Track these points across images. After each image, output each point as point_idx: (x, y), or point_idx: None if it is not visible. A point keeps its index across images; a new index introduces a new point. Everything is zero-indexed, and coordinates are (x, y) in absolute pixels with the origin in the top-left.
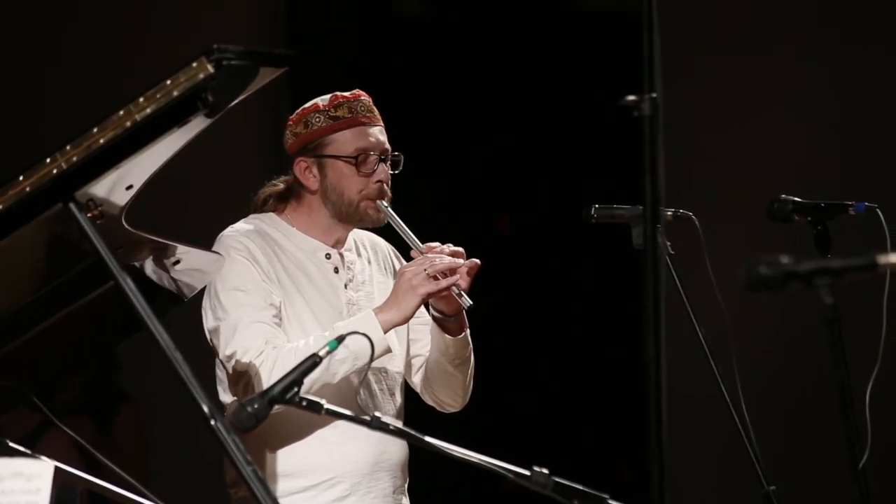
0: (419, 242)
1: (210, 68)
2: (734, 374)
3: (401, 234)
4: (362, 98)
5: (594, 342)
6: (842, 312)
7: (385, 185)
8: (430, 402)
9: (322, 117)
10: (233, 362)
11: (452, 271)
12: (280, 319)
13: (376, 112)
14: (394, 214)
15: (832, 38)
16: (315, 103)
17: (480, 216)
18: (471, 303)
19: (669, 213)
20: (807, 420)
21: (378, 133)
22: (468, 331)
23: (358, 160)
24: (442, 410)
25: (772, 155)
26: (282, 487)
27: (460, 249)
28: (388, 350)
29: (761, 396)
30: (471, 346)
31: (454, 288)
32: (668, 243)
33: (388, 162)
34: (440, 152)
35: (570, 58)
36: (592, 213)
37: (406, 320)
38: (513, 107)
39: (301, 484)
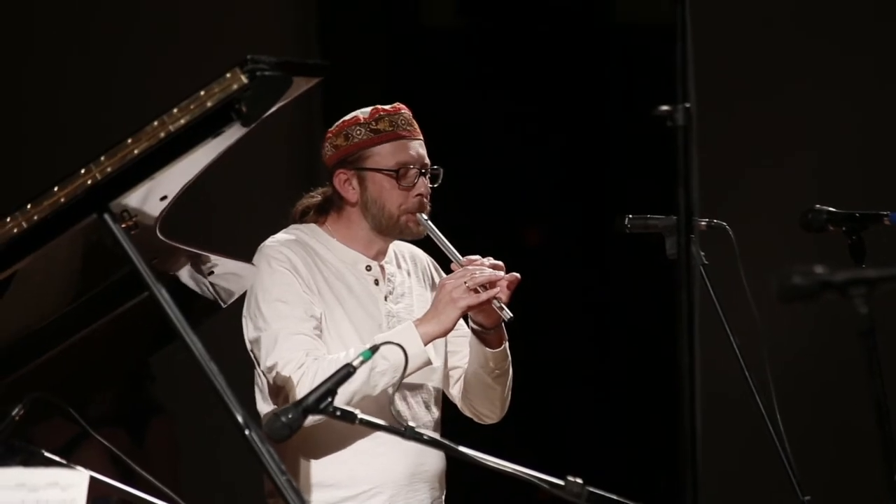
0: (459, 255)
1: (244, 79)
2: (768, 384)
3: (441, 247)
4: (403, 111)
5: (628, 353)
6: (877, 322)
7: (425, 198)
8: (468, 413)
9: (363, 130)
10: (273, 373)
11: (493, 284)
12: (320, 331)
13: (416, 126)
14: (434, 228)
15: (868, 48)
16: (356, 116)
17: (512, 227)
18: (511, 315)
19: (703, 223)
20: (842, 430)
21: (418, 147)
22: (507, 343)
23: (398, 174)
24: (480, 422)
25: (806, 165)
26: (321, 498)
27: (500, 263)
28: (429, 362)
29: (796, 406)
30: (510, 358)
31: (494, 301)
32: (703, 253)
33: (428, 175)
34: (470, 164)
35: (603, 68)
36: (626, 223)
37: (446, 333)
38: (544, 117)
39: (340, 495)
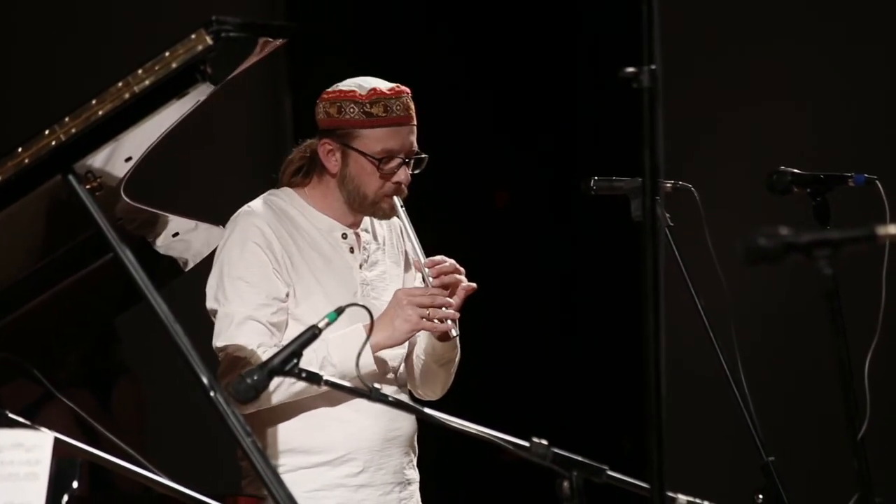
0: (422, 254)
1: (209, 40)
2: (733, 345)
3: (406, 239)
4: (403, 96)
5: (593, 315)
6: (841, 284)
7: (403, 185)
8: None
9: (357, 109)
10: (222, 355)
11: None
12: (285, 312)
13: (412, 110)
14: (405, 216)
15: (833, 14)
16: (353, 91)
17: (479, 189)
18: (457, 334)
19: (668, 185)
20: (806, 391)
21: (407, 134)
22: (458, 337)
23: (381, 161)
24: (417, 398)
25: (771, 127)
26: (296, 463)
27: (460, 269)
28: (375, 373)
29: (760, 368)
30: (458, 348)
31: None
32: (668, 215)
33: (412, 162)
34: (437, 126)
35: (569, 29)
36: (591, 185)
37: (396, 346)
38: (511, 79)
39: (315, 460)
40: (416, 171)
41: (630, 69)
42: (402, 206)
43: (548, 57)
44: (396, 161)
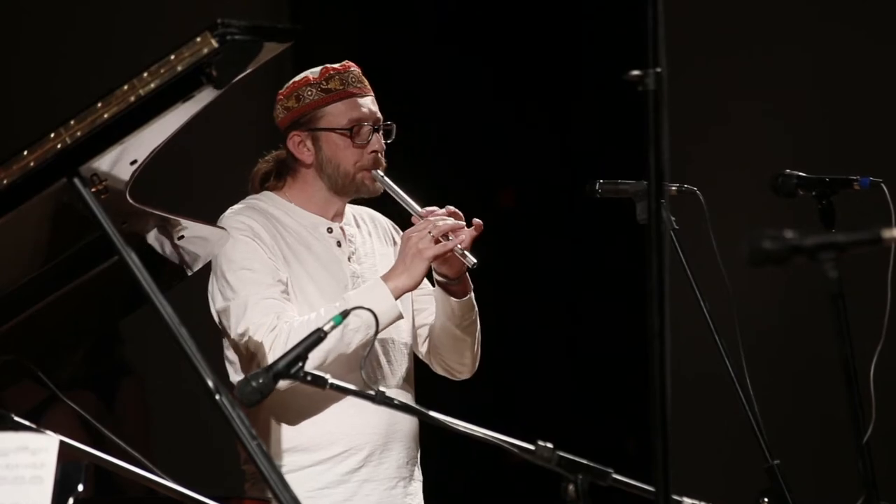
0: (418, 207)
1: (214, 43)
2: (738, 348)
3: (399, 201)
4: (352, 69)
5: (598, 317)
6: (846, 287)
7: (380, 154)
8: (439, 370)
9: (314, 90)
10: (245, 339)
11: (455, 232)
12: (288, 294)
13: (366, 82)
14: (391, 183)
15: (837, 15)
16: (306, 76)
17: (484, 190)
18: (475, 261)
19: (674, 187)
20: (811, 395)
21: (370, 103)
22: (473, 293)
23: (352, 132)
24: (452, 378)
25: (776, 129)
26: (297, 461)
27: (458, 213)
28: (400, 317)
29: (765, 371)
30: (476, 309)
31: (458, 248)
32: (673, 218)
33: (382, 132)
34: (442, 125)
35: (575, 31)
36: (597, 187)
37: (416, 286)
38: (517, 80)
39: (315, 458)
40: (389, 141)
41: (635, 72)
42: (384, 176)
43: (553, 58)
44: (366, 129)
